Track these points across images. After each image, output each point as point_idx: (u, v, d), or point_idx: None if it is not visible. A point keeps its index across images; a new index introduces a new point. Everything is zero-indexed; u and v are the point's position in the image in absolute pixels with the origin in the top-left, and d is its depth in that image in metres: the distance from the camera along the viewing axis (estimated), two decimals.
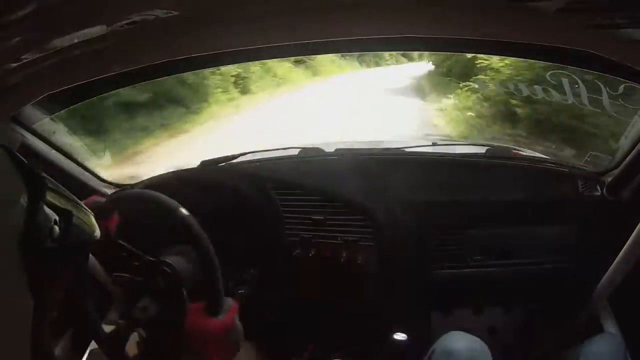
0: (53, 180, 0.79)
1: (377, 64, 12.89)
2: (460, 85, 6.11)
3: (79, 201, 0.85)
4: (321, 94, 8.83)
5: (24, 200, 0.66)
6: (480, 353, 1.14)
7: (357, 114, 6.31)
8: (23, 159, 0.71)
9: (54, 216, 0.70)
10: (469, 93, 5.75)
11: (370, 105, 7.04)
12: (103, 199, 1.21)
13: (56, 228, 0.70)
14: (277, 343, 1.53)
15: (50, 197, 0.72)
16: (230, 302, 1.09)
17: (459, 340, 1.16)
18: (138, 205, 1.12)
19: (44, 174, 0.74)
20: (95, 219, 1.11)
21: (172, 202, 1.11)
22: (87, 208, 0.85)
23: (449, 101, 6.59)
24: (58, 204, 0.73)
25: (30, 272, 0.65)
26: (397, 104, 7.30)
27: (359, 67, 12.39)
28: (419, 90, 8.86)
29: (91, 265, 1.29)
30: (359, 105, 6.98)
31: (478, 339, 1.19)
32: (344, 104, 7.27)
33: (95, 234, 0.92)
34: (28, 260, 0.64)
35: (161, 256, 1.20)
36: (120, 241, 1.17)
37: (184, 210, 1.10)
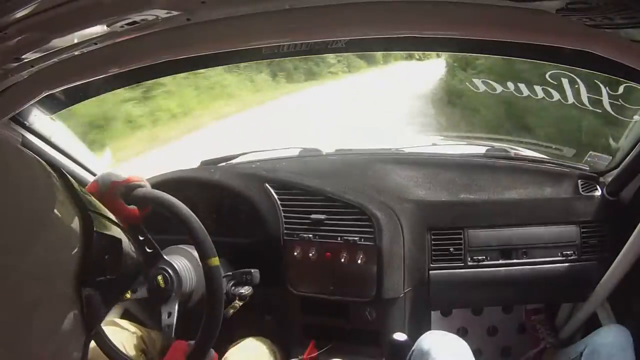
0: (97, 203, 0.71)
1: (312, 75, 7.90)
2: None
3: (115, 219, 0.77)
4: None
5: (78, 232, 0.61)
6: (457, 352, 1.13)
7: None
8: (76, 185, 0.65)
9: (106, 246, 0.65)
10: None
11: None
12: (146, 184, 1.17)
13: (107, 259, 0.65)
14: (278, 342, 1.53)
15: (101, 224, 0.66)
16: (212, 354, 1.10)
17: (435, 340, 1.15)
18: (168, 214, 1.11)
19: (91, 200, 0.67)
20: (135, 202, 1.09)
21: (210, 246, 1.10)
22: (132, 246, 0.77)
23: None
24: (107, 232, 0.67)
25: (86, 313, 0.61)
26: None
27: (275, 88, 7.80)
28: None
29: None
30: None
31: (456, 337, 1.17)
32: None
33: (140, 265, 0.86)
34: (84, 300, 0.61)
35: (165, 254, 1.21)
36: (144, 228, 1.16)
37: (215, 261, 1.10)
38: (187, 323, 1.15)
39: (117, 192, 1.09)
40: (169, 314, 1.14)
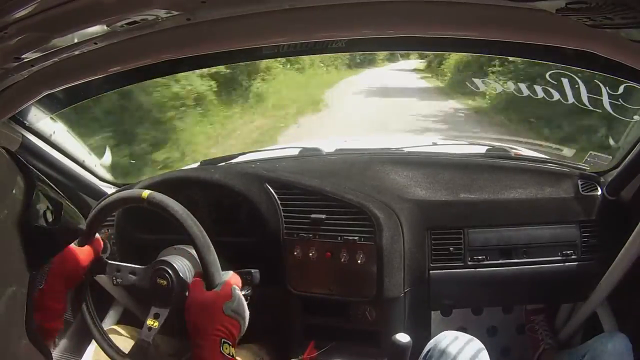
0: (51, 177, 0.86)
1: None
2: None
3: (66, 198, 0.91)
4: None
5: (21, 191, 0.75)
6: (476, 353, 1.15)
7: None
8: (20, 157, 0.80)
9: (48, 204, 0.80)
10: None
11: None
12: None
13: (49, 215, 0.80)
14: (278, 342, 1.53)
15: (44, 190, 0.81)
16: (229, 275, 1.09)
17: (454, 340, 1.16)
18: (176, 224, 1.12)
19: (38, 172, 0.83)
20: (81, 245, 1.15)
21: (136, 190, 1.14)
22: (72, 206, 0.92)
23: None
24: (52, 196, 0.83)
25: (28, 251, 0.74)
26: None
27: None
28: None
29: None
30: None
31: (474, 338, 1.19)
32: None
33: (81, 225, 0.98)
34: (26, 240, 0.73)
35: (160, 257, 1.21)
36: (110, 261, 1.18)
37: (146, 192, 1.11)
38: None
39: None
40: (156, 315, 1.13)
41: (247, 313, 1.06)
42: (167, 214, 1.10)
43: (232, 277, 1.09)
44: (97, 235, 1.17)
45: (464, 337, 1.19)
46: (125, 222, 1.51)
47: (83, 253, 1.12)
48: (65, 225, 0.84)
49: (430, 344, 1.20)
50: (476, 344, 1.17)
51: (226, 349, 0.97)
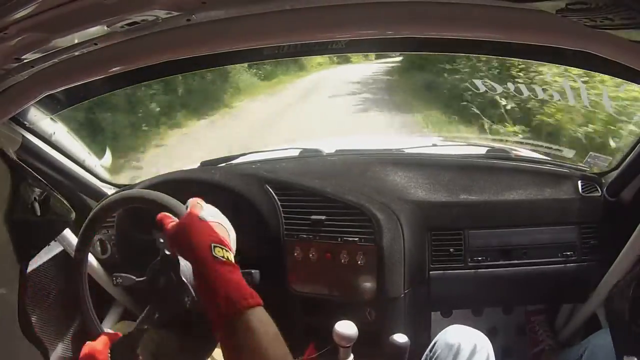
0: (51, 178, 0.87)
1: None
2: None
3: (54, 189, 0.93)
4: None
5: (8, 185, 0.77)
6: (482, 347, 1.15)
7: None
8: (5, 151, 0.83)
9: (36, 197, 0.82)
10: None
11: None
12: None
13: (37, 206, 0.82)
14: None
15: (32, 182, 0.83)
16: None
17: (461, 334, 1.16)
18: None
19: (23, 164, 0.85)
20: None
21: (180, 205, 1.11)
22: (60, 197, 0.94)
23: None
24: (39, 188, 0.85)
25: (17, 243, 0.75)
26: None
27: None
28: None
29: (91, 266, 1.30)
30: None
31: (479, 333, 1.19)
32: None
33: (71, 215, 1.00)
34: (14, 232, 0.75)
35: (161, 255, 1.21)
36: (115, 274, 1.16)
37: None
38: (186, 321, 1.14)
39: None
40: (151, 313, 1.13)
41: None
42: None
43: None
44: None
45: (468, 330, 1.20)
46: (125, 223, 1.51)
47: None
48: (53, 217, 0.86)
49: (435, 339, 1.21)
50: (480, 337, 1.18)
51: (218, 252, 0.86)
